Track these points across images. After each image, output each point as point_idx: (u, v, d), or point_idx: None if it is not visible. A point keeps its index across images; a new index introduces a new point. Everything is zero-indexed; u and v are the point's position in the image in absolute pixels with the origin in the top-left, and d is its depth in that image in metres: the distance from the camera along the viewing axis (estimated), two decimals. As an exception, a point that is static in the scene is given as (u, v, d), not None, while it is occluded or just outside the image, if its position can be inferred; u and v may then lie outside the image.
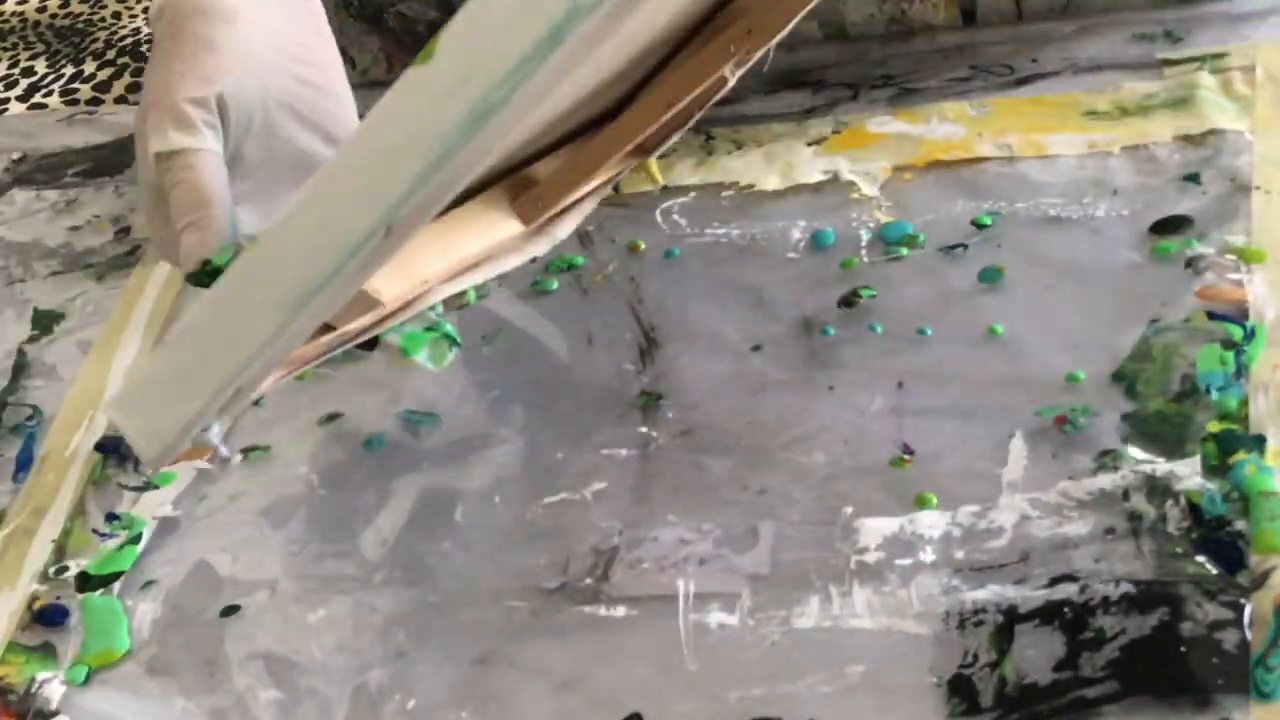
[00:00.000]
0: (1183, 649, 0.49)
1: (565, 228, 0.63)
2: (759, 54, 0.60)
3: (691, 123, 0.63)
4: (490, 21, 0.43)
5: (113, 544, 0.63)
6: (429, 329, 0.63)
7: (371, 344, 0.59)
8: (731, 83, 0.60)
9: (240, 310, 0.49)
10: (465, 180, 0.45)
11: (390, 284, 0.54)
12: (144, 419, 0.52)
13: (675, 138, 0.64)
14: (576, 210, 0.64)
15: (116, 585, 0.61)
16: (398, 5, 0.89)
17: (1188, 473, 0.55)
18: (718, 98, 0.62)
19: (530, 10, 0.42)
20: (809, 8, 0.58)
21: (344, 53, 0.94)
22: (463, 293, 0.61)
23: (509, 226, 0.61)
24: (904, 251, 0.69)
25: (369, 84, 0.92)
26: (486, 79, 0.43)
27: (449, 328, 0.63)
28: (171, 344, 0.51)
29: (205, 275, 0.53)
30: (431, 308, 0.59)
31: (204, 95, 0.54)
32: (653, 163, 0.65)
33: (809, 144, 0.77)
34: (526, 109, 0.44)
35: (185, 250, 0.54)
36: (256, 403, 0.66)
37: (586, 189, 0.63)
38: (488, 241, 0.60)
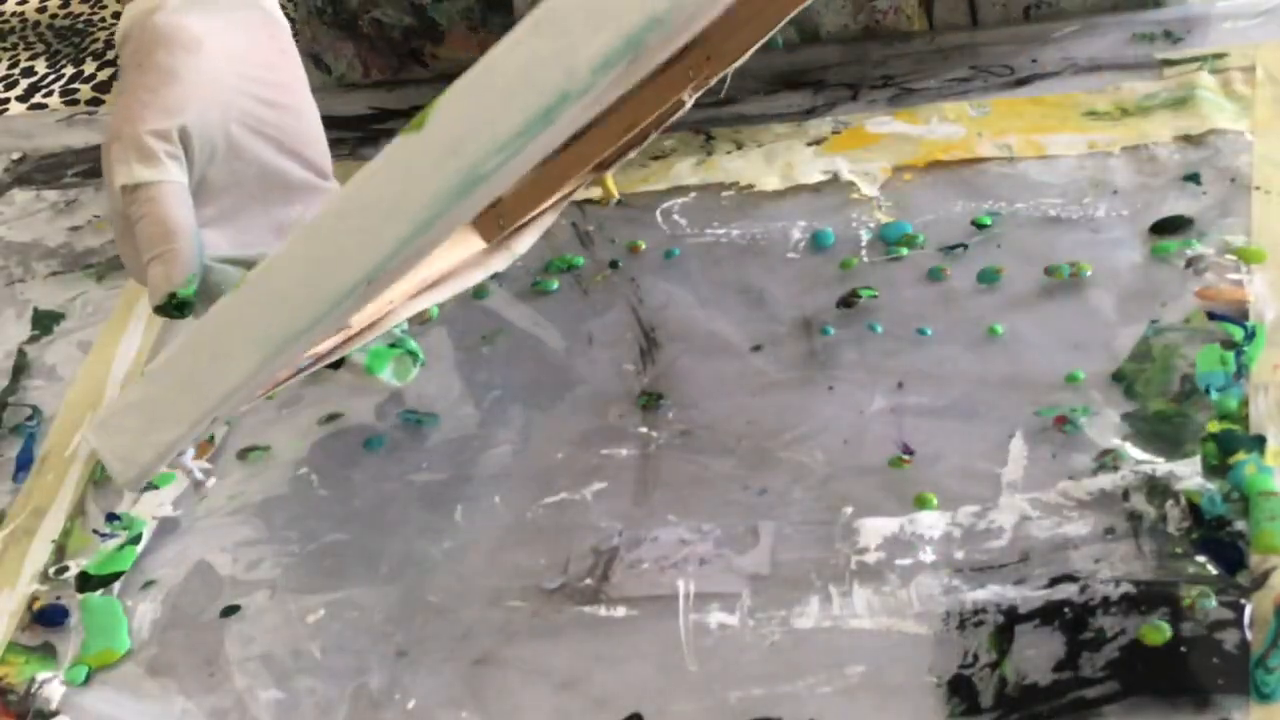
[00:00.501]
0: (1183, 649, 0.49)
1: (525, 242, 0.66)
2: (716, 79, 0.61)
3: (647, 142, 0.65)
4: (484, 98, 0.45)
5: (113, 544, 0.63)
6: (393, 345, 0.64)
7: (338, 363, 0.61)
8: (689, 105, 0.62)
9: (224, 347, 0.51)
10: (447, 238, 0.48)
11: None
12: (121, 443, 0.53)
13: (632, 155, 0.66)
14: (536, 225, 0.65)
15: (116, 585, 0.61)
16: (372, 12, 0.89)
17: (1188, 473, 0.55)
18: (675, 118, 0.63)
19: (525, 90, 0.44)
20: (767, 37, 0.60)
21: (318, 59, 0.95)
22: (425, 309, 0.62)
23: (471, 244, 0.63)
24: (904, 251, 0.69)
25: (346, 87, 0.93)
26: (477, 151, 0.45)
27: (412, 344, 0.64)
28: (154, 374, 0.53)
29: (173, 308, 0.54)
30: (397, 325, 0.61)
31: (167, 127, 0.55)
32: (609, 178, 0.67)
33: (809, 144, 0.77)
34: (512, 177, 0.46)
35: (152, 284, 0.55)
36: (227, 421, 0.67)
37: (546, 205, 0.64)
38: (451, 259, 0.62)
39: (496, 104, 0.44)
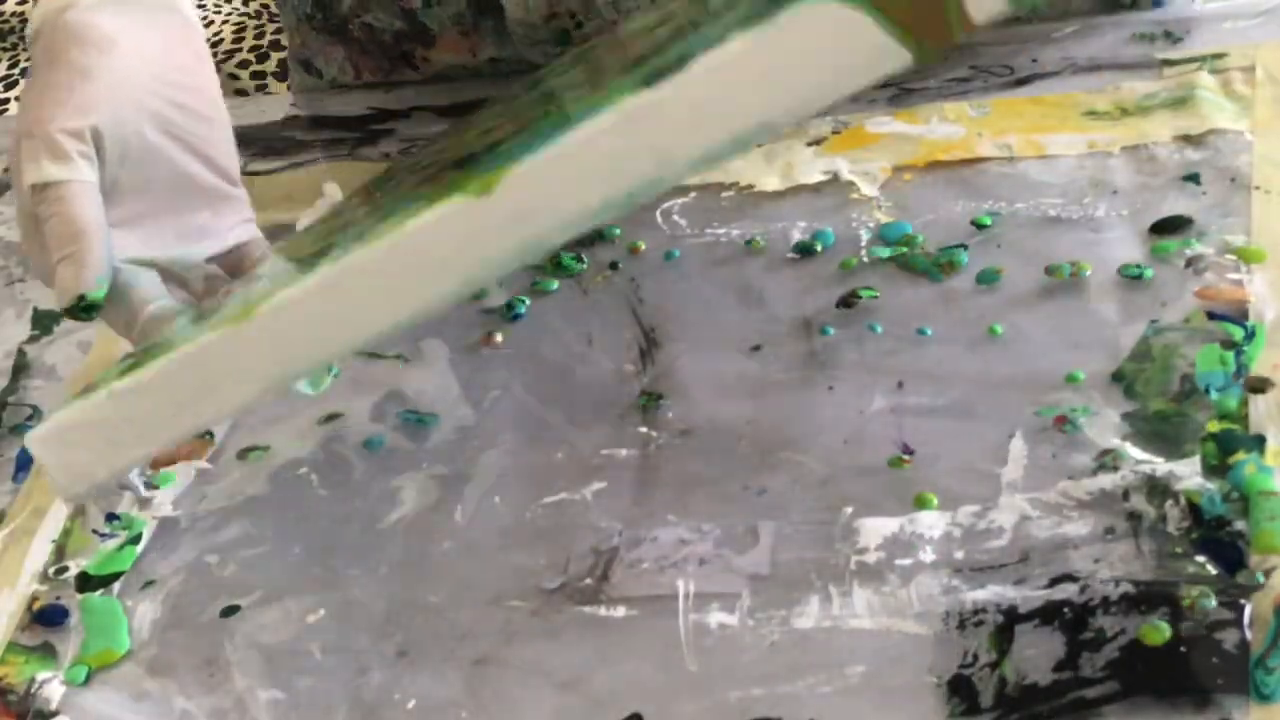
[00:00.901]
0: (1183, 649, 0.49)
1: None
2: None
3: None
4: (565, 176, 0.45)
5: (113, 544, 0.63)
6: None
7: None
8: None
9: (218, 377, 0.50)
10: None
11: None
12: (76, 459, 0.53)
13: None
14: None
15: (116, 585, 0.61)
16: (363, 17, 0.89)
17: (1188, 473, 0.55)
18: None
19: (611, 175, 0.45)
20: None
21: (308, 64, 0.95)
22: None
23: None
24: (904, 251, 0.69)
25: (339, 88, 0.93)
26: (549, 224, 0.46)
27: None
28: (125, 396, 0.52)
29: (80, 310, 0.53)
30: None
31: (79, 126, 0.54)
32: None
33: (809, 144, 0.76)
34: (564, 239, 0.46)
35: (60, 284, 0.54)
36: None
37: None
38: None
39: (577, 184, 0.45)
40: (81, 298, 0.53)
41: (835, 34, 0.43)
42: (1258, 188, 0.67)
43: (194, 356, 0.50)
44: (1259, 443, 0.55)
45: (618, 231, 0.74)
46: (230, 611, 0.59)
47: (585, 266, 0.73)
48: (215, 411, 0.51)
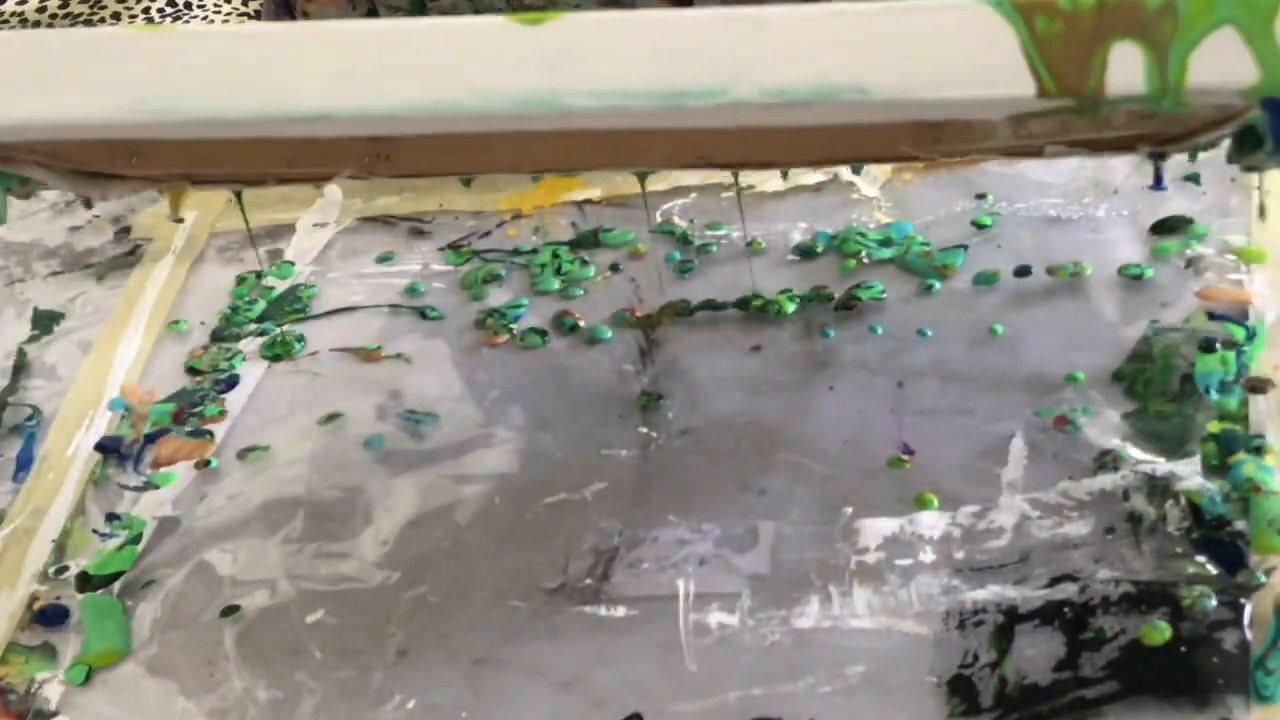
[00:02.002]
0: (1183, 649, 0.49)
1: None
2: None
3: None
4: (628, 43, 0.42)
5: (113, 544, 0.63)
6: None
7: None
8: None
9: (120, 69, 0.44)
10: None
11: None
12: None
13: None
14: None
15: (116, 585, 0.61)
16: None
17: (1188, 473, 0.55)
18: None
19: (675, 63, 0.42)
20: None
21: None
22: None
23: None
24: (904, 251, 0.69)
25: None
26: (576, 81, 0.42)
27: None
28: (48, 42, 0.45)
29: None
30: None
31: None
32: None
33: (809, 144, 0.76)
34: (571, 124, 0.43)
35: None
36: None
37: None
38: None
39: (637, 56, 0.42)
40: None
41: (977, 35, 0.42)
42: (1258, 188, 0.67)
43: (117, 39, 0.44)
44: (1259, 443, 0.55)
45: (618, 234, 0.74)
46: (230, 611, 0.59)
47: (586, 267, 0.73)
48: (103, 111, 0.44)
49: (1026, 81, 0.42)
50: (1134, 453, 0.56)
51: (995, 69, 0.42)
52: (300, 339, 0.72)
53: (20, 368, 0.75)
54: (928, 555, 0.55)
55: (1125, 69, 0.41)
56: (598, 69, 0.42)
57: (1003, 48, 0.42)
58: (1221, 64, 0.41)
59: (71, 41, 0.45)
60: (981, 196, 0.72)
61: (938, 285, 0.67)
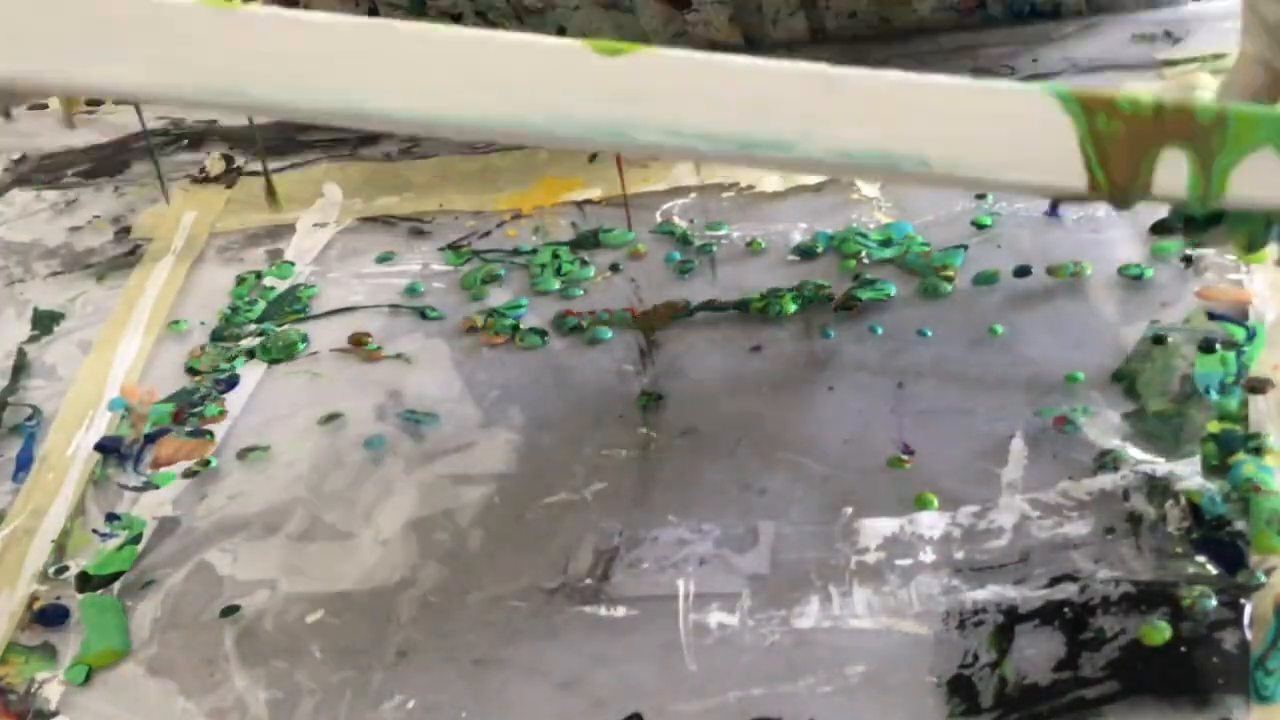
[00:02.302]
0: (1183, 649, 0.49)
1: None
2: None
3: None
4: (703, 86, 0.42)
5: (113, 544, 0.63)
6: None
7: None
8: None
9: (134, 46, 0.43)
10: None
11: None
12: None
13: None
14: None
15: (116, 585, 0.61)
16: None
17: (1188, 473, 0.55)
18: None
19: (748, 112, 0.42)
20: None
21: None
22: None
23: None
24: (904, 251, 0.69)
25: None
26: (647, 118, 0.42)
27: None
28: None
29: None
30: None
31: None
32: None
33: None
34: (647, 141, 0.44)
35: None
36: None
37: None
38: None
39: (709, 101, 0.42)
40: None
41: (1039, 124, 0.43)
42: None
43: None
44: (1258, 443, 0.55)
45: (618, 234, 0.74)
46: (230, 611, 0.59)
47: (586, 267, 0.73)
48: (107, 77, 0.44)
49: (1080, 175, 0.43)
50: (1134, 453, 0.57)
51: (1052, 161, 0.43)
52: (304, 338, 0.72)
53: (20, 368, 0.75)
54: (928, 555, 0.55)
55: (1171, 174, 0.43)
56: (670, 109, 0.42)
57: (1062, 141, 0.43)
58: (1260, 181, 0.42)
59: (139, 7, 0.44)
60: (981, 196, 0.72)
61: (948, 288, 0.67)
